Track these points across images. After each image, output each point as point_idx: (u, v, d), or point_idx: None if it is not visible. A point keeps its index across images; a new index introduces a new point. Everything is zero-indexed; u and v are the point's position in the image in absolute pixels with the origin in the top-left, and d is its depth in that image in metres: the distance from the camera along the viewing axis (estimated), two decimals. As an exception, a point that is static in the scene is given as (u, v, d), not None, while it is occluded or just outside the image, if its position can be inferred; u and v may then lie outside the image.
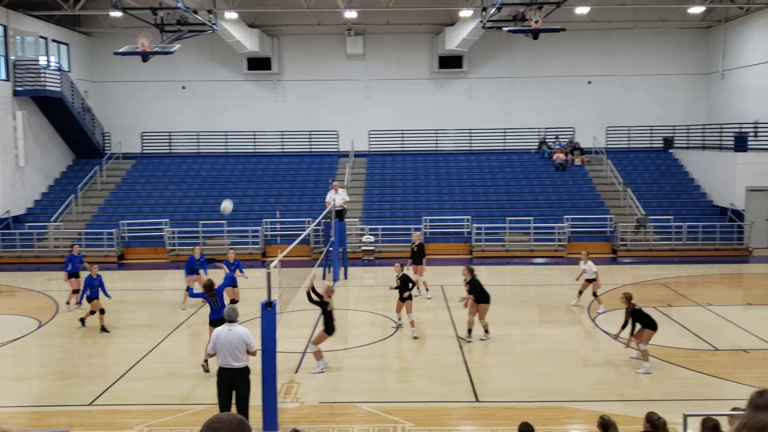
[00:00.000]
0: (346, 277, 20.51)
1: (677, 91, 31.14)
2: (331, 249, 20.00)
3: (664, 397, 10.75)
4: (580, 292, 16.46)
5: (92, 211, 26.69)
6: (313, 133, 31.16)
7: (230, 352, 9.09)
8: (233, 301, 15.16)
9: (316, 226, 19.73)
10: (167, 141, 31.42)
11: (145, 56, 20.31)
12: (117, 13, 21.95)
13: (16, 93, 25.67)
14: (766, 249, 24.34)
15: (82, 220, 25.92)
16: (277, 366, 9.64)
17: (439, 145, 31.18)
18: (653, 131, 30.75)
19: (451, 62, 31.00)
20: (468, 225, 24.99)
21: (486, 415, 10.23)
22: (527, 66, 31.02)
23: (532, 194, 27.27)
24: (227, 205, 15.20)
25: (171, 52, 20.70)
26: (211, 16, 22.82)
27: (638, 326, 11.89)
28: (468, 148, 31.09)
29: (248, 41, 28.83)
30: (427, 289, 17.78)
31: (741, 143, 25.24)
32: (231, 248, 18.77)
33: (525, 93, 31.30)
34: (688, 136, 29.58)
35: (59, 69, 27.44)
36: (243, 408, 9.12)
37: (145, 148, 31.38)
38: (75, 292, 16.86)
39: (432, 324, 15.35)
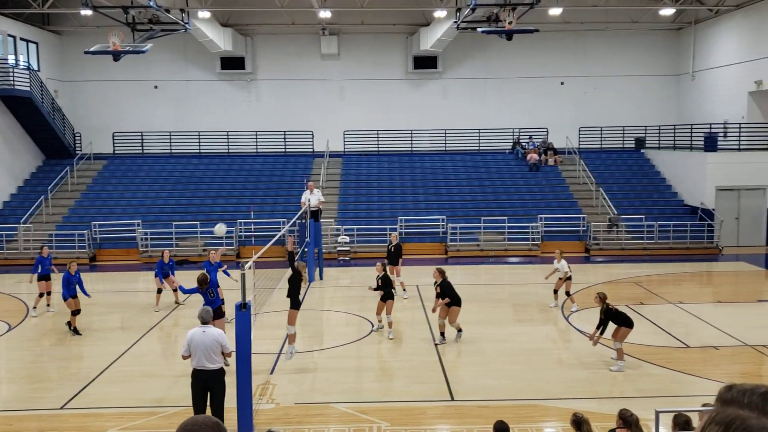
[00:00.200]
0: (321, 278, 20.46)
1: (649, 91, 31.57)
2: (306, 250, 19.93)
3: (636, 394, 10.89)
4: (555, 291, 16.55)
5: (63, 212, 26.30)
6: (287, 133, 31.04)
7: (205, 354, 9.02)
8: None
9: (290, 226, 19.64)
10: (139, 141, 31.08)
11: (116, 55, 20.09)
12: (87, 12, 21.67)
13: (-17, 92, 25.24)
14: (736, 247, 24.77)
15: (52, 222, 25.53)
16: (252, 367, 9.58)
17: (414, 145, 31.25)
18: (625, 131, 31.12)
19: (425, 62, 31.10)
20: (443, 225, 25.08)
21: (461, 413, 10.28)
22: (501, 67, 31.23)
23: (507, 194, 27.45)
24: (221, 228, 15.82)
25: (143, 52, 20.50)
26: (183, 15, 22.65)
27: (613, 326, 12.02)
28: (443, 149, 31.20)
29: (221, 40, 28.64)
30: (404, 290, 17.81)
31: (711, 143, 25.66)
32: (213, 249, 18.56)
33: (499, 93, 31.51)
34: (659, 137, 29.99)
35: (28, 68, 27.00)
36: (218, 410, 9.06)
37: (117, 148, 31.00)
38: (42, 295, 16.52)
39: (408, 324, 15.37)
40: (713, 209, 24.82)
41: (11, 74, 25.84)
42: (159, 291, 16.94)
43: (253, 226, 24.89)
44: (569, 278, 16.23)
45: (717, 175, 25.03)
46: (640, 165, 29.64)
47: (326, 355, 13.25)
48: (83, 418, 10.24)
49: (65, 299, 14.80)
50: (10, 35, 26.73)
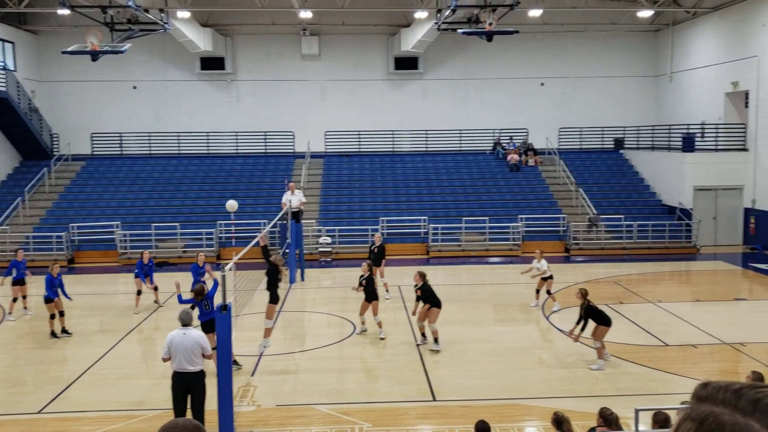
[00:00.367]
0: (302, 279, 20.40)
1: (627, 92, 31.86)
2: (287, 251, 19.86)
3: (616, 392, 10.98)
4: (537, 291, 16.62)
5: (40, 214, 26.00)
6: (268, 133, 30.93)
7: (185, 357, 8.97)
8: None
9: (272, 227, 19.56)
10: (118, 142, 30.81)
11: (94, 56, 19.88)
12: (65, 11, 21.43)
13: (-41, 92, 24.89)
14: (713, 247, 25.06)
15: (29, 224, 25.22)
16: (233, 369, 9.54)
17: (395, 145, 31.27)
18: (604, 132, 31.38)
19: (406, 63, 31.13)
20: (425, 225, 25.12)
21: (443, 413, 10.30)
22: (482, 68, 31.36)
23: (488, 194, 27.56)
24: (233, 204, 16.45)
25: (121, 52, 20.31)
26: (162, 15, 22.49)
27: (593, 324, 12.10)
28: (424, 149, 31.26)
29: (201, 41, 28.47)
30: (387, 290, 17.80)
31: (689, 144, 25.95)
32: (200, 251, 18.44)
33: (480, 94, 31.63)
34: (638, 137, 30.28)
35: (4, 68, 26.66)
36: (199, 412, 9.00)
37: (95, 149, 30.70)
38: (15, 300, 16.23)
39: (390, 324, 15.35)
40: (691, 209, 25.10)
41: (-13, 74, 25.54)
42: (139, 293, 16.78)
43: (233, 228, 24.74)
44: (550, 277, 16.32)
45: (695, 175, 25.31)
46: (619, 165, 29.91)
47: (308, 357, 13.21)
48: (62, 422, 10.13)
49: (47, 302, 14.54)
50: (-15, 35, 26.42)
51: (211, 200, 26.90)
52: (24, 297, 16.52)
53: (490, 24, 19.97)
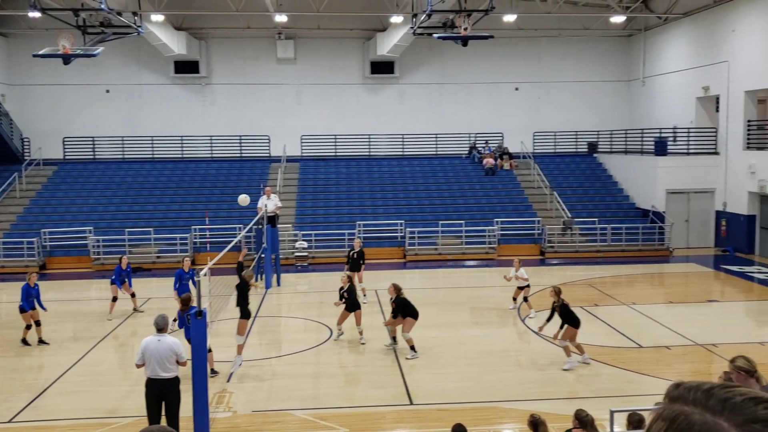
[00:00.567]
0: (279, 284, 20.29)
1: (600, 97, 32.22)
2: (263, 255, 19.76)
3: (591, 394, 11.07)
4: (514, 299, 16.67)
5: (11, 219, 25.57)
6: (243, 137, 30.77)
7: (159, 363, 8.87)
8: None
9: (247, 232, 19.44)
10: (91, 146, 30.43)
11: (66, 59, 19.62)
12: (36, 14, 21.14)
13: (-74, 96, 24.42)
14: (686, 249, 25.41)
15: (0, 230, 24.81)
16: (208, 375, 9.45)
17: (371, 149, 31.28)
18: (578, 136, 31.69)
19: (382, 68, 31.18)
20: (401, 229, 25.14)
21: (420, 417, 10.30)
22: (457, 72, 31.51)
23: (463, 198, 27.66)
24: (245, 198, 16.90)
25: (94, 55, 20.09)
26: (136, 18, 22.28)
27: (559, 321, 12.27)
28: (400, 153, 31.30)
29: (175, 44, 28.25)
30: (364, 295, 17.76)
31: (661, 147, 26.29)
32: (186, 256, 18.29)
33: (455, 99, 31.78)
34: (611, 141, 30.61)
35: (-26, 71, 26.25)
36: (173, 419, 8.91)
37: (67, 154, 30.30)
38: None
39: (366, 329, 15.28)
40: (664, 212, 25.42)
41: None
42: (114, 299, 16.47)
43: (208, 233, 24.57)
44: (527, 286, 16.37)
45: (667, 179, 25.65)
46: (592, 169, 30.21)
47: (284, 362, 13.14)
48: (34, 431, 9.96)
49: (22, 311, 14.21)
50: (-46, 37, 25.96)
51: (185, 205, 26.68)
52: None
53: (465, 29, 20.08)
